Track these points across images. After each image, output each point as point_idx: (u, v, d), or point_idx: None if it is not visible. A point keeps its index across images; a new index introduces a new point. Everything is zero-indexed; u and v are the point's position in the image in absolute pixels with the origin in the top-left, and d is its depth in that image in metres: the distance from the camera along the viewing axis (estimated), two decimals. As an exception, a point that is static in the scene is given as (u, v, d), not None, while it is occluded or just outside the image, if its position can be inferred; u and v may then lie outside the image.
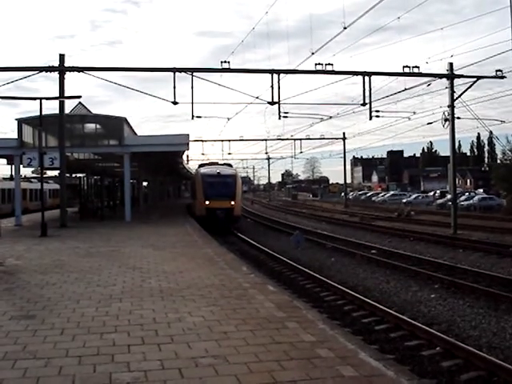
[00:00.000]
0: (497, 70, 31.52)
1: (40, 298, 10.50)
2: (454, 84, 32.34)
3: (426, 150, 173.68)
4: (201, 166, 44.64)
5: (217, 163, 47.61)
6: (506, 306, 13.61)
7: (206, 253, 17.61)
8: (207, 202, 35.65)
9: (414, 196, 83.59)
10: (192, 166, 78.53)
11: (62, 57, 28.48)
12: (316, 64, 27.88)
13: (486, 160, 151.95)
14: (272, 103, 28.90)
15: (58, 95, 28.43)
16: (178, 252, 17.76)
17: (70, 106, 37.98)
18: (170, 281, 12.30)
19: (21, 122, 33.90)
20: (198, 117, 30.69)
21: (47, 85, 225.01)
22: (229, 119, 39.20)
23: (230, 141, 70.31)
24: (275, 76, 28.55)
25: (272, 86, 28.59)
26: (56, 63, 28.61)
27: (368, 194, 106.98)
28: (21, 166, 32.74)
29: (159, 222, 32.67)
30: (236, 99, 43.85)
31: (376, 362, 6.60)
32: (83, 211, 41.21)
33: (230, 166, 46.55)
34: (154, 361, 6.62)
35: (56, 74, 28.63)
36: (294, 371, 6.25)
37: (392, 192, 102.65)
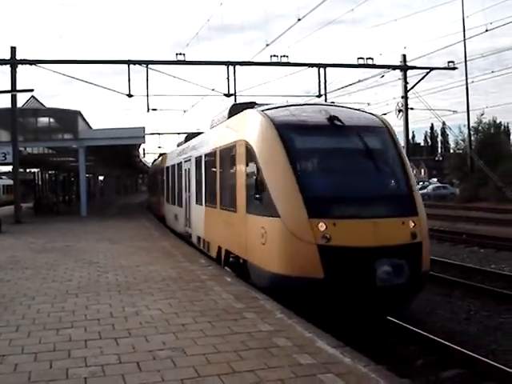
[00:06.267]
0: (449, 62, 32.20)
1: (-6, 295, 10.32)
2: (407, 75, 32.89)
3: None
4: (237, 106, 14.81)
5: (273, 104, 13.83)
6: (459, 293, 13.92)
7: (163, 246, 17.53)
8: (323, 227, 9.55)
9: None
10: (149, 159, 77.69)
11: (13, 49, 27.92)
12: (271, 56, 28.01)
13: (440, 150, 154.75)
14: (228, 95, 28.89)
15: (9, 89, 27.87)
16: (134, 246, 17.63)
17: (22, 100, 37.36)
18: (127, 275, 12.22)
19: (-28, 116, 33.06)
20: (153, 109, 30.52)
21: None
22: (185, 112, 38.97)
23: (186, 133, 69.90)
24: (231, 68, 28.55)
25: (228, 78, 28.59)
26: (7, 57, 28.06)
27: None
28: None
29: (116, 216, 32.36)
30: (192, 91, 43.43)
31: (333, 350, 6.69)
32: (38, 207, 40.54)
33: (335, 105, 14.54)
34: (112, 355, 6.58)
35: (7, 68, 28.06)
36: (252, 361, 6.29)
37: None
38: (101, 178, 74.51)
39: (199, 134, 21.05)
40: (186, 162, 20.04)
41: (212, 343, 6.98)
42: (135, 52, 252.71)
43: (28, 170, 54.25)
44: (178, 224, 21.87)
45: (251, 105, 13.29)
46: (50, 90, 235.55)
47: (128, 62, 28.03)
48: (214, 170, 14.86)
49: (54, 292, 10.44)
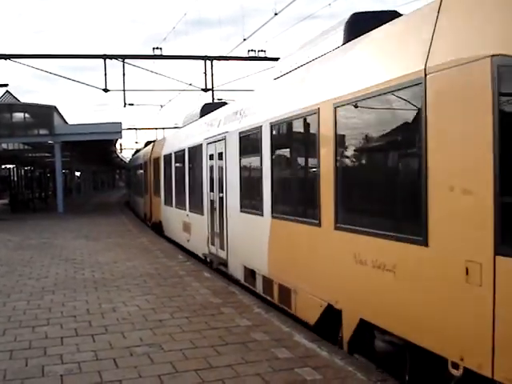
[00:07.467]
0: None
1: (-32, 293, 10.20)
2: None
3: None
4: (361, 15, 7.79)
5: None
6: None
7: (141, 242, 17.46)
8: None
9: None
10: (126, 154, 77.37)
11: (-14, 44, 27.59)
12: (249, 50, 27.93)
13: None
14: (205, 90, 28.77)
15: (-17, 84, 27.57)
16: (112, 242, 17.53)
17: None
18: (104, 271, 12.15)
19: None
20: (130, 104, 30.35)
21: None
22: (162, 107, 38.92)
23: (164, 129, 69.60)
24: (208, 63, 28.42)
25: (205, 73, 28.48)
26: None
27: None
28: None
29: (93, 213, 32.17)
30: (169, 86, 43.21)
31: (310, 344, 6.70)
32: (14, 203, 40.16)
33: None
34: (88, 352, 6.54)
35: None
36: (229, 356, 6.28)
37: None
38: (77, 173, 73.86)
39: (224, 103, 15.27)
40: (210, 143, 13.11)
41: (189, 338, 6.96)
42: (112, 46, 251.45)
43: (4, 167, 53.67)
44: (193, 239, 15.25)
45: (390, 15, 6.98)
46: (26, 85, 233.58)
47: (104, 57, 27.74)
48: (307, 150, 8.02)
49: (30, 289, 10.35)
